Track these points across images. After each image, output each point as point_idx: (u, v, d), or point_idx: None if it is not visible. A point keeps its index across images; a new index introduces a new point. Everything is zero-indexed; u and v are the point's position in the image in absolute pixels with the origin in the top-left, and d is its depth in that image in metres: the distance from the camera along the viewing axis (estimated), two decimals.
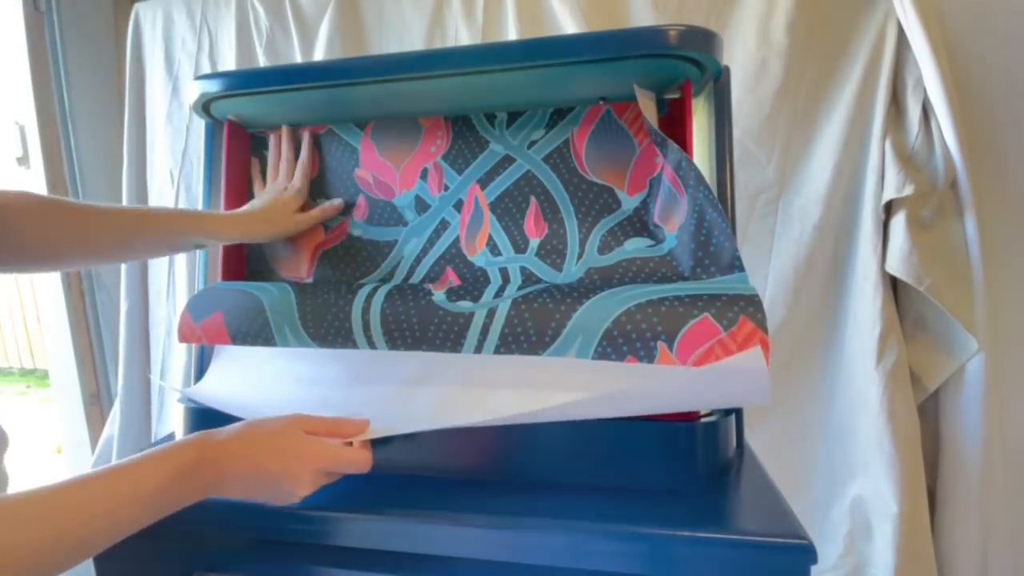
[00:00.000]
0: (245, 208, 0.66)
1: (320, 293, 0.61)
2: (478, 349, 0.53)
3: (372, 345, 0.56)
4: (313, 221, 0.68)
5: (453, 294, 0.56)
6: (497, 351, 0.52)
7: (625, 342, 0.48)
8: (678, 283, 0.53)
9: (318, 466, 0.46)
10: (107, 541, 0.38)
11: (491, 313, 0.53)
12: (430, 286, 0.59)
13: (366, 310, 0.57)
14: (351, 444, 0.49)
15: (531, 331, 0.52)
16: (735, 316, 0.46)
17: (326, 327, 0.58)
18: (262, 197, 0.68)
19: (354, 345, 0.57)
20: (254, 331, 0.60)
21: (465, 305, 0.55)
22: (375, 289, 0.59)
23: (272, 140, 0.71)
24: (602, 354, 0.49)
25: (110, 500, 0.38)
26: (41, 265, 0.56)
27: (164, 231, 0.58)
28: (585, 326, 0.50)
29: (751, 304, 0.46)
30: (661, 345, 0.47)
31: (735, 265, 0.50)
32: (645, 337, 0.48)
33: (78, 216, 0.54)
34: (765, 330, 0.45)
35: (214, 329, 0.62)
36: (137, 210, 0.59)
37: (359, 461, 0.48)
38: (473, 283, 0.61)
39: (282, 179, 0.69)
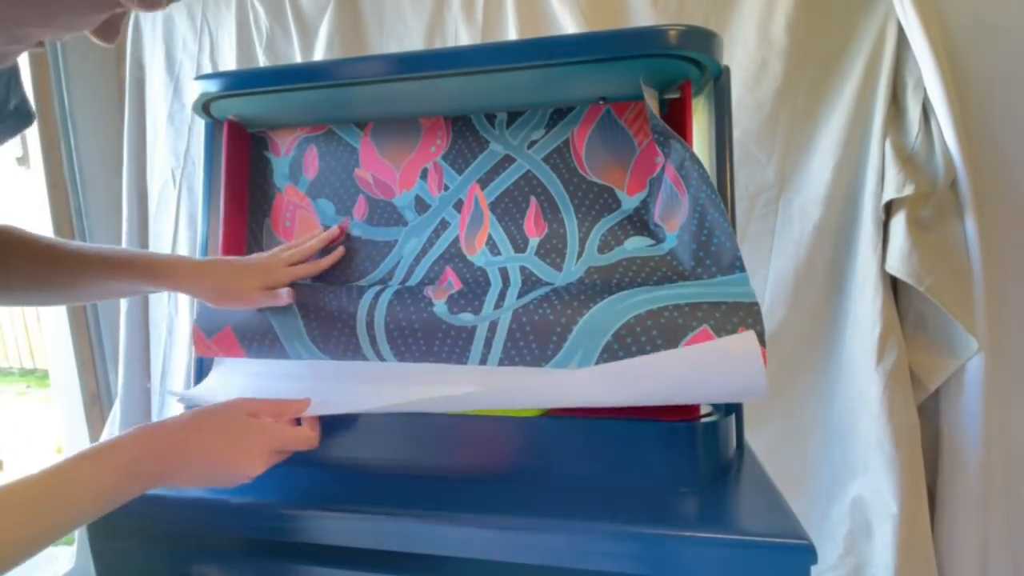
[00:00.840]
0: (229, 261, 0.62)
1: (321, 302, 0.61)
2: (483, 362, 0.55)
3: (381, 358, 0.59)
4: (316, 269, 0.65)
5: (454, 304, 0.57)
6: (501, 364, 0.54)
7: (626, 355, 0.49)
8: (678, 284, 0.53)
9: (267, 446, 0.47)
10: (47, 541, 0.37)
11: (492, 327, 0.55)
12: (430, 292, 0.60)
13: (370, 324, 0.59)
14: (299, 423, 0.52)
15: (533, 344, 0.53)
16: (733, 328, 0.47)
17: (334, 341, 0.60)
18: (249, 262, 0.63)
19: (364, 358, 0.59)
20: (267, 346, 0.63)
21: (467, 318, 0.56)
22: (376, 297, 0.60)
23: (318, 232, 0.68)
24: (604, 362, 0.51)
25: (50, 499, 0.37)
26: None
27: (113, 279, 0.55)
28: (586, 339, 0.51)
29: (750, 315, 0.47)
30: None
31: (736, 265, 0.50)
32: (645, 350, 0.49)
33: (35, 253, 0.52)
34: (763, 342, 0.46)
35: (227, 343, 0.64)
36: (95, 254, 0.55)
37: (307, 438, 0.50)
38: (473, 286, 0.61)
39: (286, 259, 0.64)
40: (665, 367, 0.47)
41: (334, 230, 0.68)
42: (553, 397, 0.50)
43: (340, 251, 0.67)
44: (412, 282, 0.64)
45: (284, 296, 0.61)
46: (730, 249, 0.50)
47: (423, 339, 0.56)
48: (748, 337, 0.46)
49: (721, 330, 0.47)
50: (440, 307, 0.57)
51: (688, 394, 0.48)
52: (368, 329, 0.59)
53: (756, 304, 0.47)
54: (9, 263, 0.51)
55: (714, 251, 0.52)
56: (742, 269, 0.50)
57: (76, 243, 0.55)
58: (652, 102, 0.54)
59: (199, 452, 0.45)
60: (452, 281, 0.63)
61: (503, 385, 0.52)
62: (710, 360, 0.46)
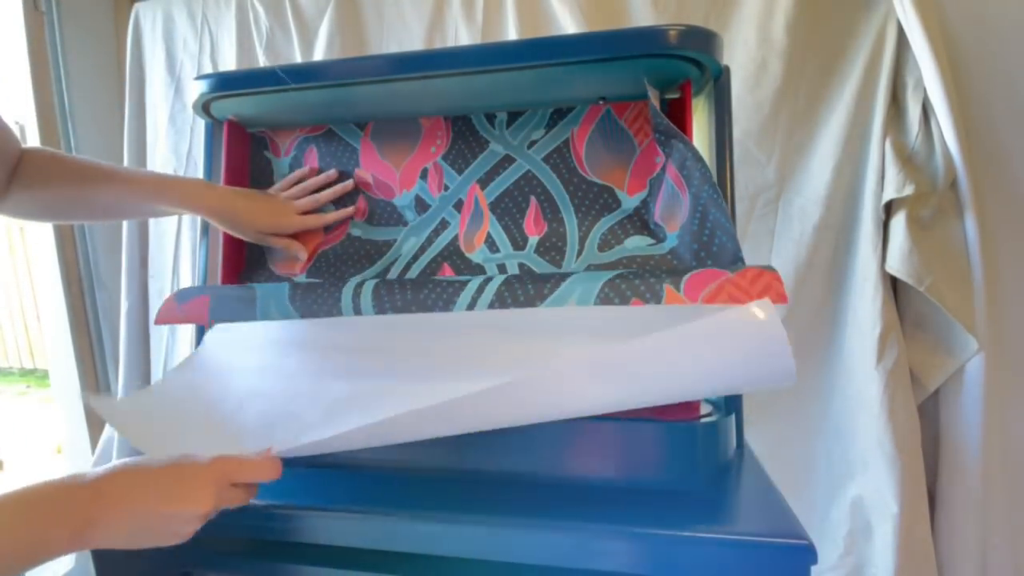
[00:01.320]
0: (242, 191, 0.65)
1: (316, 284, 0.60)
2: (471, 306, 0.51)
3: (359, 311, 0.55)
4: (322, 222, 0.66)
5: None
6: (491, 306, 0.50)
7: (628, 287, 0.47)
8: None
9: (217, 478, 0.41)
10: None
11: (486, 280, 0.52)
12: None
13: (358, 290, 0.56)
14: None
15: (528, 286, 0.50)
16: (739, 265, 0.46)
17: (313, 299, 0.57)
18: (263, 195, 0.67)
19: (339, 313, 0.55)
20: (237, 310, 0.60)
21: (462, 278, 0.54)
22: (371, 278, 0.61)
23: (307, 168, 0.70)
24: (604, 300, 0.47)
25: None
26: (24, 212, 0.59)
27: (142, 198, 0.60)
28: (585, 280, 0.49)
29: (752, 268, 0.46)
30: (668, 287, 0.46)
31: (737, 266, 0.50)
32: (649, 281, 0.47)
33: (71, 172, 0.58)
34: (773, 269, 0.44)
35: (195, 310, 0.61)
36: (125, 176, 0.60)
37: (267, 467, 0.43)
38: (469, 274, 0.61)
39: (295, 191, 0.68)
40: (675, 353, 0.40)
41: (348, 183, 0.68)
42: (558, 404, 0.43)
43: (350, 210, 0.68)
44: (410, 276, 0.64)
45: (300, 256, 0.66)
46: (731, 249, 0.50)
47: (410, 291, 0.54)
48: (765, 305, 0.38)
49: (726, 267, 0.46)
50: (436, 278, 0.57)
51: (703, 384, 0.42)
52: (354, 290, 0.56)
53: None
54: (51, 183, 0.57)
55: (715, 251, 0.52)
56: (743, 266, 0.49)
57: (107, 165, 0.60)
58: (655, 101, 0.54)
59: (133, 490, 0.38)
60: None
61: (499, 396, 0.42)
62: (725, 337, 0.39)
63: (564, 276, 0.50)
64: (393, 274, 0.65)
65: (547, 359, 0.42)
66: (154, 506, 0.38)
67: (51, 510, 0.35)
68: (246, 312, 0.59)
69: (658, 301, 0.46)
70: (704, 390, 0.43)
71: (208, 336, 0.64)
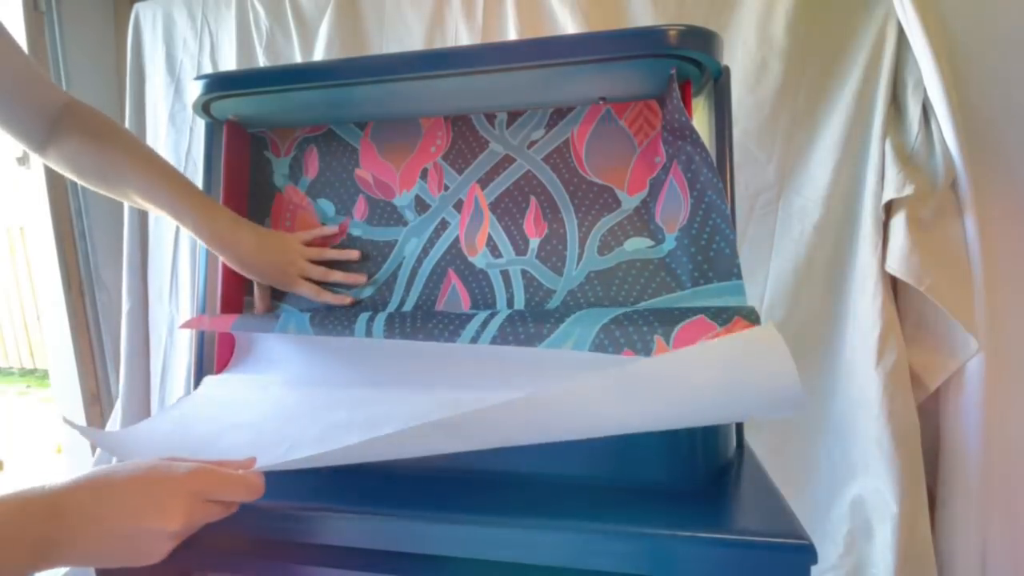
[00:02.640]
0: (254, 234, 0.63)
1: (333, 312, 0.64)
2: (475, 340, 0.53)
3: (370, 334, 0.58)
4: (321, 298, 0.64)
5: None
6: (494, 342, 0.52)
7: (622, 335, 0.49)
8: (676, 294, 0.54)
9: (190, 490, 0.37)
10: None
11: (491, 316, 0.55)
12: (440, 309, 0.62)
13: (372, 317, 0.60)
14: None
15: (530, 325, 0.52)
16: (729, 316, 0.46)
17: (329, 321, 0.60)
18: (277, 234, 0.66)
19: (351, 333, 0.58)
20: (257, 324, 0.63)
21: (465, 313, 0.57)
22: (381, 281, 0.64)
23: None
24: (599, 346, 0.49)
25: None
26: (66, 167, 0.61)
27: (158, 200, 0.60)
28: (582, 321, 0.51)
29: (750, 315, 0.47)
30: (658, 338, 0.47)
31: (733, 273, 0.50)
32: (642, 331, 0.48)
33: (142, 171, 0.59)
34: (758, 320, 0.45)
35: (221, 321, 0.65)
36: (164, 179, 0.60)
37: (248, 484, 0.40)
38: (479, 299, 0.62)
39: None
40: (677, 382, 0.38)
41: (361, 277, 0.66)
42: (562, 424, 0.43)
43: (357, 278, 0.66)
44: (416, 285, 0.65)
45: (329, 297, 0.65)
46: (729, 256, 0.50)
47: (420, 320, 0.57)
48: (768, 330, 0.37)
49: (717, 318, 0.46)
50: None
51: (709, 412, 0.40)
52: (369, 319, 0.59)
53: (753, 308, 0.47)
54: (83, 169, 0.60)
55: (712, 256, 0.52)
56: (739, 277, 0.50)
57: (169, 170, 0.61)
58: (677, 96, 0.54)
59: (96, 504, 0.35)
60: (456, 286, 0.63)
61: (503, 413, 0.41)
62: (727, 364, 0.38)
63: (563, 317, 0.52)
64: (401, 278, 0.66)
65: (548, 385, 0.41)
66: (118, 522, 0.35)
67: (2, 529, 0.32)
68: (267, 324, 0.63)
69: (647, 352, 0.47)
70: (707, 416, 0.42)
71: (204, 382, 0.65)
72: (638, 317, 0.49)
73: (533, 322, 0.53)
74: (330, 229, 0.68)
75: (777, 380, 0.37)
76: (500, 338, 0.52)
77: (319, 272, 0.65)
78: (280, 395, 0.59)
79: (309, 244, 0.67)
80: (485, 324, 0.54)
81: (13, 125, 0.57)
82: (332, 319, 0.60)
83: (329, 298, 0.65)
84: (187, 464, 0.39)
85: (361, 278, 0.65)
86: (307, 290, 0.64)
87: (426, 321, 0.57)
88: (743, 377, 0.38)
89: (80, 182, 0.62)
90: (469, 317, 0.55)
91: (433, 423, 0.40)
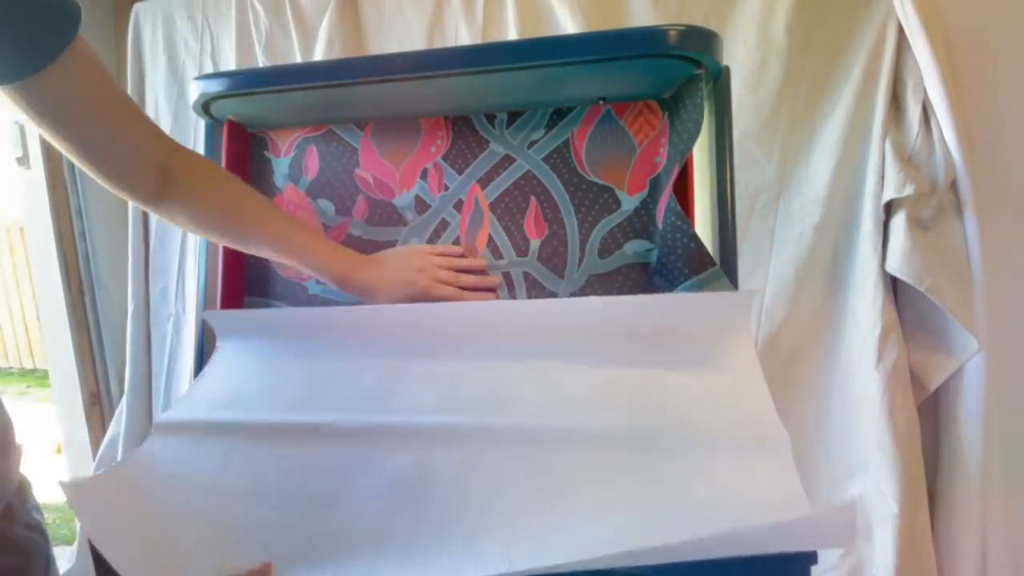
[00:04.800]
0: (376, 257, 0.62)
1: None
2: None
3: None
4: (462, 296, 0.61)
5: None
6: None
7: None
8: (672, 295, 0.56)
9: None
10: None
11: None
12: None
13: None
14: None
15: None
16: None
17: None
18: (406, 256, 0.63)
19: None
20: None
21: None
22: None
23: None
24: None
25: None
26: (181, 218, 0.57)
27: (282, 250, 0.59)
28: None
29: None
30: None
31: (706, 263, 0.52)
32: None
33: (228, 222, 0.58)
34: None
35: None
36: (274, 221, 0.59)
37: None
38: None
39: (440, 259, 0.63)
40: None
41: (495, 280, 0.64)
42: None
43: (491, 281, 0.63)
44: None
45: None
46: (694, 250, 0.52)
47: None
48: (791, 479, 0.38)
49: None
50: None
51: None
52: None
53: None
54: (205, 225, 0.58)
55: (682, 254, 0.54)
56: (713, 264, 0.52)
57: (263, 206, 0.60)
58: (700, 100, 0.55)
59: None
60: None
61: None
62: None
63: None
64: None
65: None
66: None
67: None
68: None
69: None
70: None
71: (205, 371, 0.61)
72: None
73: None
74: (455, 249, 0.65)
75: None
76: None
77: (451, 276, 0.61)
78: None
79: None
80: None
81: (116, 172, 0.51)
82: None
83: (470, 298, 0.61)
84: None
85: (494, 281, 0.63)
86: (447, 292, 0.60)
87: None
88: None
89: (191, 231, 0.61)
90: None
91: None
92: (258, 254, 0.61)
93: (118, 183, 0.51)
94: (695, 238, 0.51)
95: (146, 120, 0.52)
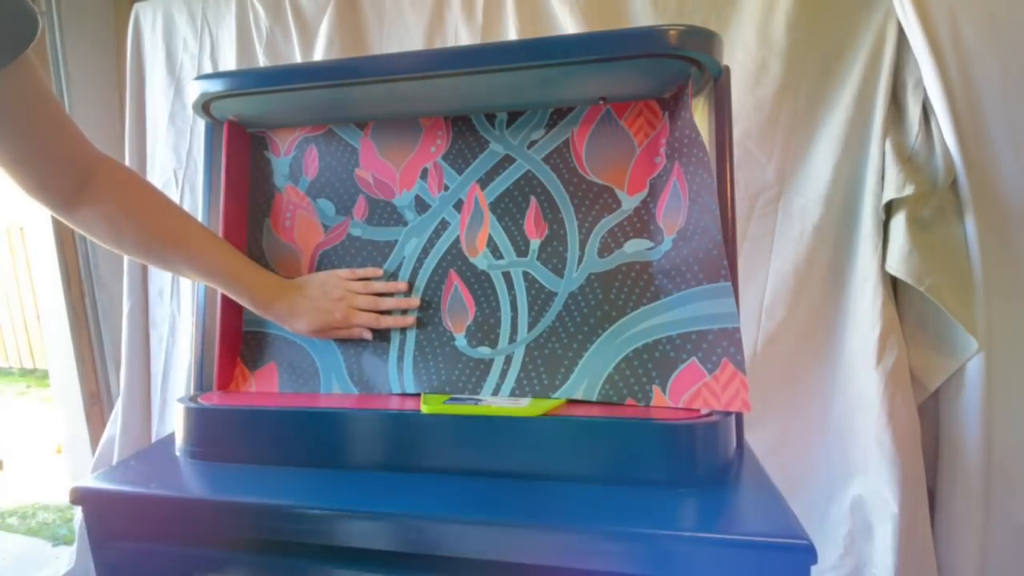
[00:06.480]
0: (296, 283, 0.65)
1: (360, 344, 0.65)
2: (496, 392, 0.58)
3: (404, 389, 0.61)
4: (379, 324, 0.64)
5: (472, 337, 0.62)
6: (513, 394, 0.58)
7: (624, 385, 0.55)
8: (671, 298, 0.56)
9: None
10: None
11: (508, 360, 0.60)
12: (449, 322, 0.63)
13: (400, 358, 0.63)
14: None
15: (543, 374, 0.58)
16: (718, 359, 0.51)
17: (367, 375, 0.64)
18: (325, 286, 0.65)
19: (390, 390, 0.62)
20: (303, 380, 0.66)
21: (484, 352, 0.61)
22: (404, 332, 0.65)
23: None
24: (605, 396, 0.56)
25: None
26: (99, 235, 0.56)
27: (204, 269, 0.60)
28: (590, 371, 0.57)
29: (732, 343, 0.51)
30: (655, 388, 0.54)
31: (721, 275, 0.52)
32: (642, 381, 0.55)
33: (149, 232, 0.57)
34: (744, 371, 0.50)
35: (267, 376, 0.67)
36: (198, 240, 0.60)
37: None
38: (484, 306, 0.63)
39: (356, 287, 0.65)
40: None
41: (415, 301, 0.65)
42: None
43: (410, 320, 0.65)
44: (418, 286, 0.65)
45: (364, 336, 0.65)
46: (716, 258, 0.52)
47: (444, 368, 0.61)
48: None
49: (707, 362, 0.52)
50: (460, 340, 0.62)
51: None
52: (398, 362, 0.63)
53: (738, 329, 0.51)
54: (123, 236, 0.56)
55: (703, 258, 0.53)
56: (727, 279, 0.51)
57: (185, 221, 0.60)
58: (692, 108, 0.55)
59: None
60: (461, 291, 0.63)
61: None
62: None
63: (573, 364, 0.57)
64: (402, 277, 0.66)
65: None
66: None
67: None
68: (310, 383, 0.65)
69: (647, 402, 0.54)
70: None
71: None
72: (639, 365, 0.55)
73: (547, 371, 0.58)
74: (374, 271, 0.67)
75: None
76: (518, 389, 0.58)
77: (370, 301, 0.64)
78: None
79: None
80: (504, 374, 0.59)
81: (37, 180, 0.51)
82: (366, 364, 0.64)
83: (390, 322, 0.64)
84: None
85: (415, 302, 0.65)
86: (365, 320, 0.64)
87: (451, 366, 0.61)
88: None
89: (109, 246, 0.57)
90: (488, 363, 0.60)
91: None
92: (180, 274, 0.62)
93: (36, 190, 0.51)
94: (720, 246, 0.51)
95: (77, 132, 0.53)
